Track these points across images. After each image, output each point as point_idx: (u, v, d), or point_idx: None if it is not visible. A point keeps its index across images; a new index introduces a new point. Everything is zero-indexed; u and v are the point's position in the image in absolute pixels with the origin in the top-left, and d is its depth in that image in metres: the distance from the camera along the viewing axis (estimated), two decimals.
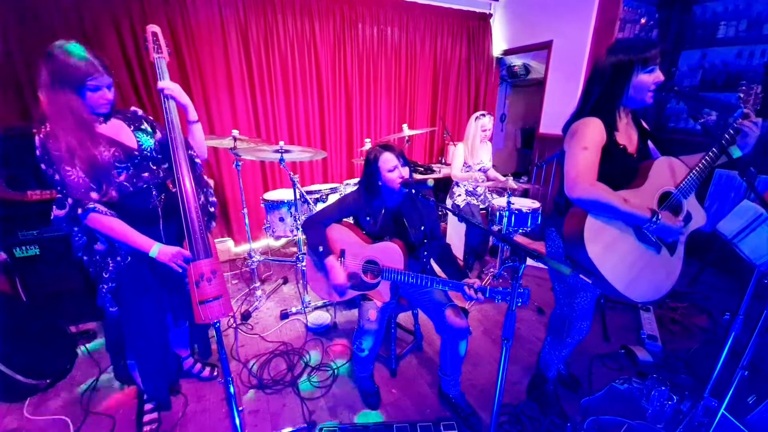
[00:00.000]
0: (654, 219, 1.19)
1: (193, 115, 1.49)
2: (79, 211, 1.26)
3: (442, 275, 1.66)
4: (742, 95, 1.21)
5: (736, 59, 3.21)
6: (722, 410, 1.30)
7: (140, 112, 1.50)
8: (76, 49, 1.22)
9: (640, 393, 1.74)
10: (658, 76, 1.23)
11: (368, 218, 1.70)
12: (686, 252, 1.37)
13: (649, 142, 1.39)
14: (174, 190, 1.42)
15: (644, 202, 1.22)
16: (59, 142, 1.21)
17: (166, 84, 1.36)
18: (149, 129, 1.46)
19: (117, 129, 1.37)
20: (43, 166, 1.24)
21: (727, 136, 1.20)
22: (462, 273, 1.64)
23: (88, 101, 1.27)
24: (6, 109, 2.51)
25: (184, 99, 1.42)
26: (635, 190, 1.23)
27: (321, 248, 1.64)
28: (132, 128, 1.41)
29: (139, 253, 1.38)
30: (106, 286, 1.42)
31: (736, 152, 1.24)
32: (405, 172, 1.61)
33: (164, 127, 1.44)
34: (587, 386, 1.91)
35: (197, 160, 1.52)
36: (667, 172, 1.28)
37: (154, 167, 1.43)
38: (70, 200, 1.26)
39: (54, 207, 1.29)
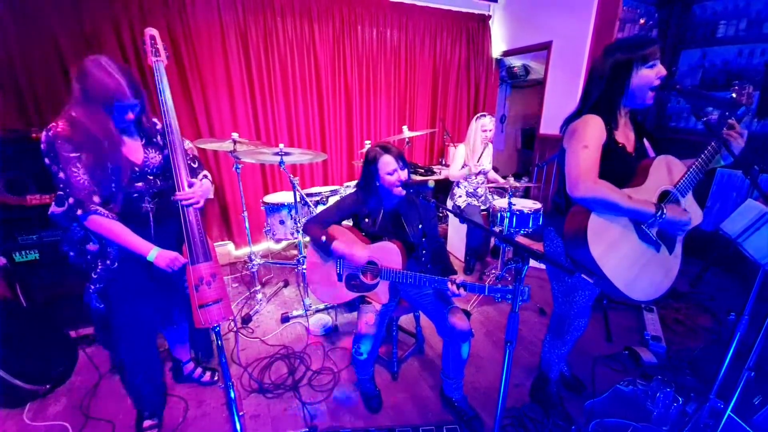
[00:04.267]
0: (659, 214, 1.18)
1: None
2: (79, 212, 1.25)
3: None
4: (734, 95, 1.22)
5: (737, 58, 3.20)
6: (728, 412, 1.29)
7: (159, 125, 1.48)
8: (108, 67, 1.23)
9: (644, 395, 1.73)
10: (660, 70, 1.22)
11: (367, 219, 1.70)
12: (689, 252, 1.37)
13: (645, 141, 1.39)
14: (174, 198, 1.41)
15: (646, 207, 1.22)
16: (75, 146, 1.23)
17: (183, 195, 1.36)
18: (161, 143, 1.46)
19: (130, 145, 1.38)
20: (46, 161, 1.24)
21: (714, 144, 1.21)
22: (449, 271, 1.65)
23: (114, 118, 1.29)
24: (5, 111, 2.51)
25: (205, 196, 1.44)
26: (636, 189, 1.23)
27: (324, 238, 1.63)
28: (143, 141, 1.42)
29: (132, 257, 1.37)
30: (93, 287, 1.42)
31: (720, 161, 1.28)
32: (404, 175, 1.61)
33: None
34: (591, 388, 1.89)
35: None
36: (665, 170, 1.28)
37: (151, 178, 1.42)
38: (71, 199, 1.25)
39: (53, 203, 1.29)
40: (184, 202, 1.36)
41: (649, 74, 1.22)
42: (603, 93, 1.27)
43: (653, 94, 1.25)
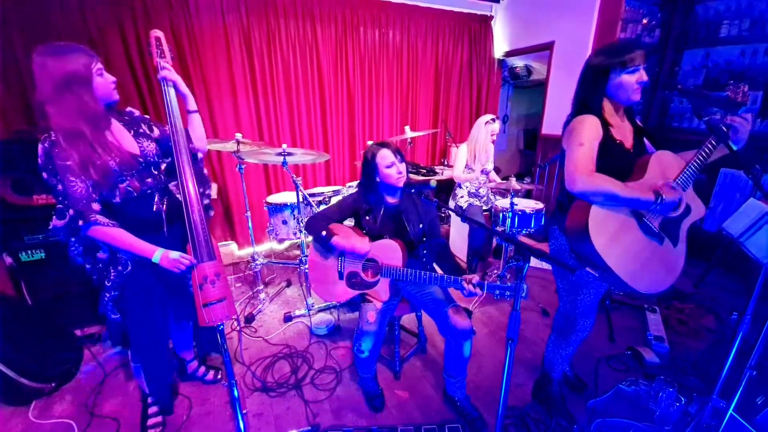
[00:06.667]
0: (658, 201, 1.19)
1: (192, 105, 1.50)
2: (80, 223, 1.25)
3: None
4: (729, 93, 1.24)
5: (740, 58, 3.19)
6: (731, 411, 1.29)
7: (136, 113, 1.49)
8: (62, 45, 1.20)
9: (647, 395, 1.73)
10: (641, 76, 1.26)
11: (368, 217, 1.72)
12: (693, 253, 1.37)
13: (645, 140, 1.41)
14: (178, 194, 1.43)
15: (645, 194, 1.23)
16: (69, 152, 1.20)
17: (168, 70, 1.36)
18: (147, 131, 1.46)
19: (120, 135, 1.37)
20: (45, 175, 1.23)
21: (713, 140, 1.22)
22: (460, 270, 1.64)
23: (99, 91, 1.26)
24: (12, 113, 2.53)
25: (184, 88, 1.42)
26: (635, 184, 1.25)
27: (324, 233, 1.65)
28: (132, 133, 1.41)
29: (141, 260, 1.38)
30: (108, 295, 1.42)
31: (732, 147, 1.26)
32: (402, 167, 1.63)
33: (162, 125, 1.45)
34: (593, 388, 1.89)
35: (199, 155, 1.52)
36: (664, 165, 1.30)
37: (156, 172, 1.43)
38: (71, 211, 1.25)
39: (54, 217, 1.28)
40: (168, 77, 1.35)
41: (629, 79, 1.26)
42: (587, 93, 1.33)
43: (639, 90, 1.28)
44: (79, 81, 1.20)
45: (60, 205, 1.26)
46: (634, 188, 1.21)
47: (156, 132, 1.48)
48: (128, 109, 1.49)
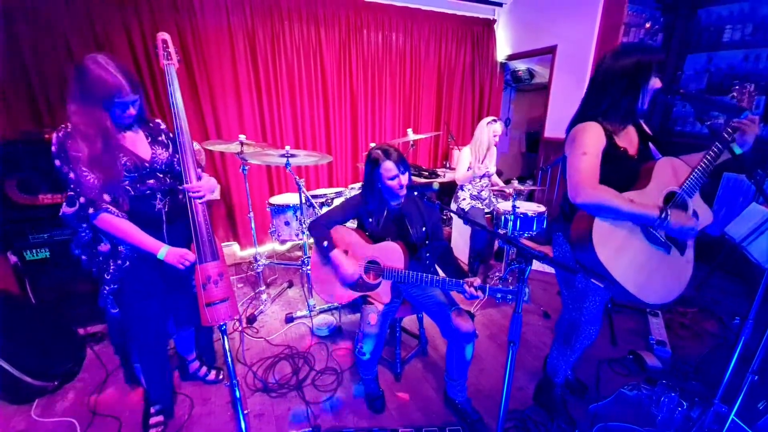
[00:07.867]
0: (663, 216, 1.17)
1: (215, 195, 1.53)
2: (91, 210, 1.28)
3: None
4: (735, 94, 1.22)
5: (743, 62, 3.19)
6: (732, 416, 1.28)
7: (163, 125, 1.52)
8: (107, 65, 1.24)
9: (649, 399, 1.72)
10: (658, 81, 1.24)
11: (371, 219, 1.73)
12: (695, 256, 1.36)
13: (650, 144, 1.39)
14: (182, 197, 1.45)
15: (650, 203, 1.21)
16: (80, 145, 1.25)
17: (191, 187, 1.39)
18: (166, 141, 1.49)
19: (135, 140, 1.41)
20: (57, 162, 1.27)
21: (725, 134, 1.20)
22: (462, 273, 1.65)
23: (113, 116, 1.31)
24: (19, 113, 2.55)
25: (211, 195, 1.46)
26: (640, 192, 1.23)
27: (326, 243, 1.66)
28: (149, 139, 1.44)
29: (143, 256, 1.40)
30: (107, 288, 1.43)
31: (737, 149, 1.24)
32: (404, 179, 1.64)
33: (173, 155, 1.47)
34: (595, 392, 1.88)
35: None
36: (670, 172, 1.27)
37: (161, 175, 1.45)
38: (82, 199, 1.28)
39: (64, 204, 1.31)
40: (191, 194, 1.38)
41: (657, 83, 1.23)
42: (622, 95, 1.24)
43: (648, 99, 1.26)
44: (98, 100, 1.25)
45: (71, 193, 1.29)
46: (639, 202, 1.18)
47: (171, 149, 1.51)
48: (157, 120, 1.52)
